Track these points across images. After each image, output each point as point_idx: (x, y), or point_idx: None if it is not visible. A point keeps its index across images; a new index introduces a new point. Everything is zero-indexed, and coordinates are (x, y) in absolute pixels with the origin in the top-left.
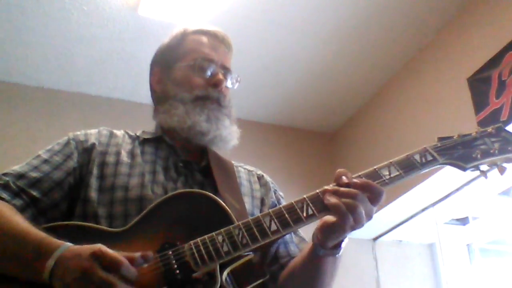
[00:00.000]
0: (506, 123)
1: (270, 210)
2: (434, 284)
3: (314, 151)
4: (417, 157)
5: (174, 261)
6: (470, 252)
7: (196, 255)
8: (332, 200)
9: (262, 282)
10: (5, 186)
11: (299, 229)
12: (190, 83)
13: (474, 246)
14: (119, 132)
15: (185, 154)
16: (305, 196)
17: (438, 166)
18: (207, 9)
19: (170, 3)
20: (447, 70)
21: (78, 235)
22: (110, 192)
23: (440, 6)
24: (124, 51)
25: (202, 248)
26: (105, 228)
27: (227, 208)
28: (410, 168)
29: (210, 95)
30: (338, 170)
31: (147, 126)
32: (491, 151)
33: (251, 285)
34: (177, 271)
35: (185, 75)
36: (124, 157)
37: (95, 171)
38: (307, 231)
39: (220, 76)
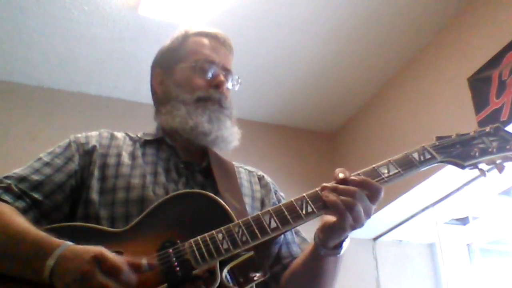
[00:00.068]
0: (506, 123)
1: (269, 208)
2: (434, 284)
3: (314, 151)
4: (415, 155)
5: (174, 259)
6: (470, 252)
7: (196, 252)
8: (331, 197)
9: (263, 281)
10: (7, 189)
11: (300, 230)
12: (192, 84)
13: (474, 246)
14: (120, 134)
15: (186, 155)
16: (304, 194)
17: (437, 164)
18: (207, 9)
19: (171, 3)
20: (447, 70)
21: (80, 236)
22: (111, 194)
23: (440, 6)
24: (124, 51)
25: (202, 246)
26: (107, 228)
27: (227, 207)
28: (409, 166)
29: (211, 96)
30: (337, 169)
31: (147, 125)
32: (489, 150)
33: (251, 283)
34: (178, 269)
35: (187, 76)
36: (125, 158)
37: (96, 173)
38: (309, 231)
39: (221, 77)
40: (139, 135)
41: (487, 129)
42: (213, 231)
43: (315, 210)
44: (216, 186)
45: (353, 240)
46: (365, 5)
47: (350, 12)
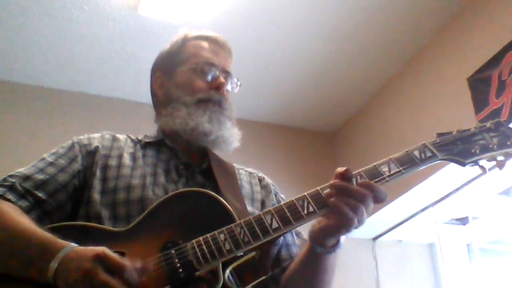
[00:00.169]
0: (506, 123)
1: (271, 208)
2: (434, 284)
3: (314, 150)
4: (416, 153)
5: (177, 260)
6: (470, 252)
7: (199, 254)
8: (335, 201)
9: (264, 280)
10: (11, 188)
11: (301, 232)
12: (192, 86)
13: (474, 246)
14: (121, 136)
15: (186, 156)
16: (305, 193)
17: (438, 162)
18: (207, 9)
19: (170, 3)
20: (447, 70)
21: (82, 235)
22: (112, 194)
23: (440, 6)
24: (124, 51)
25: (204, 246)
26: (108, 228)
27: (228, 206)
28: (410, 164)
29: (212, 97)
30: (338, 168)
31: (147, 125)
32: (490, 146)
33: (253, 283)
34: (180, 270)
35: (187, 78)
36: (126, 160)
37: (98, 173)
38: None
39: (222, 79)
40: (140, 137)
41: (488, 124)
42: (215, 232)
43: (316, 209)
44: (217, 186)
45: (353, 240)
46: (365, 5)
47: (350, 12)
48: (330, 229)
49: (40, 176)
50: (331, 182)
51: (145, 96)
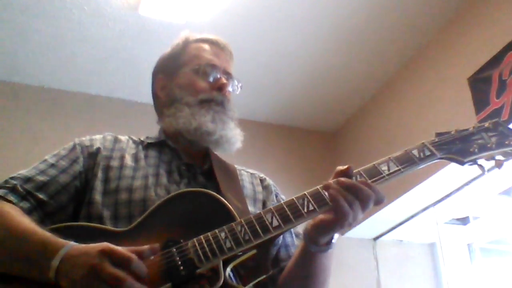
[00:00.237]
0: (507, 123)
1: (271, 206)
2: (434, 283)
3: (315, 150)
4: (415, 152)
5: (178, 258)
6: (470, 252)
7: (200, 251)
8: (334, 193)
9: (263, 281)
10: (13, 189)
11: (301, 233)
12: (195, 87)
13: (474, 246)
14: (123, 138)
15: (187, 158)
16: (305, 192)
17: (436, 160)
18: (207, 9)
19: (171, 3)
20: (447, 70)
21: (83, 235)
22: (114, 194)
23: (440, 6)
24: (124, 51)
25: (205, 245)
26: (110, 228)
27: (229, 205)
28: (409, 163)
29: (214, 98)
30: (339, 166)
31: (147, 125)
32: (488, 145)
33: (254, 281)
34: (181, 268)
35: (190, 79)
36: (128, 160)
37: (100, 174)
38: None
39: (224, 80)
40: (142, 138)
41: (486, 124)
42: (216, 230)
43: (316, 208)
44: (218, 187)
45: (353, 240)
46: (365, 5)
47: (350, 12)
48: (324, 223)
49: (41, 178)
50: (336, 179)
51: (145, 96)
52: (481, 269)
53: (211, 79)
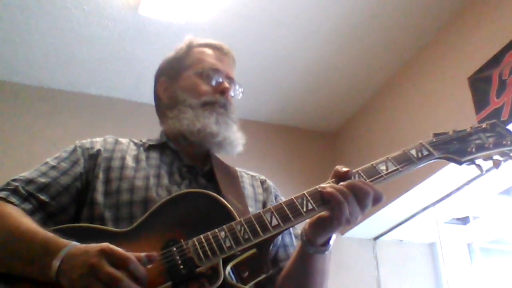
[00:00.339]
0: (507, 122)
1: (270, 206)
2: (434, 283)
3: (315, 150)
4: (413, 152)
5: (178, 257)
6: (470, 252)
7: (200, 251)
8: (328, 189)
9: (263, 281)
10: (15, 191)
11: (299, 232)
12: (198, 90)
13: (474, 246)
14: (124, 140)
15: (189, 159)
16: (304, 192)
17: (434, 160)
18: (207, 8)
19: (171, 3)
20: (447, 70)
21: (85, 236)
22: (115, 195)
23: (440, 5)
24: (124, 51)
25: (205, 244)
26: (110, 228)
27: (229, 206)
28: (407, 163)
29: (218, 100)
30: (338, 166)
31: (147, 125)
32: (486, 146)
33: (254, 281)
34: (181, 267)
35: (193, 82)
36: (129, 161)
37: (101, 175)
38: None
39: (226, 84)
40: (143, 141)
41: (484, 125)
42: (216, 230)
43: (315, 207)
44: (219, 188)
45: (353, 240)
46: (365, 5)
47: (350, 12)
48: (321, 220)
49: (43, 179)
50: (348, 183)
51: (145, 96)
52: (481, 269)
53: (213, 83)
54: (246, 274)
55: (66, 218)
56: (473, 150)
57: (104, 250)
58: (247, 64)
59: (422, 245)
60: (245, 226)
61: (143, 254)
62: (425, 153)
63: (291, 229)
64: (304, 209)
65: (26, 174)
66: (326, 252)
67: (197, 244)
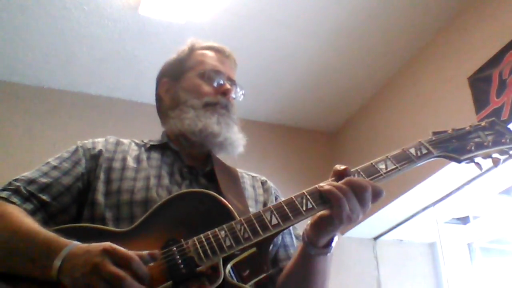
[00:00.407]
0: (507, 122)
1: (270, 205)
2: (435, 283)
3: (314, 150)
4: (412, 150)
5: (178, 257)
6: (471, 251)
7: (200, 250)
8: (326, 186)
9: (264, 278)
10: (16, 191)
11: (300, 233)
12: (200, 91)
13: (475, 245)
14: (125, 140)
15: (189, 160)
16: (304, 191)
17: (433, 158)
18: (207, 8)
19: (171, 3)
20: (447, 69)
21: (86, 236)
22: (116, 196)
23: (440, 5)
24: (124, 51)
25: (205, 243)
26: (111, 228)
27: (229, 205)
28: (406, 161)
29: (219, 101)
30: (337, 165)
31: (147, 125)
32: (485, 144)
33: (254, 280)
34: (182, 266)
35: (195, 83)
36: (130, 162)
37: (102, 176)
38: None
39: (228, 85)
40: (144, 141)
41: (483, 123)
42: (216, 229)
43: (314, 205)
44: (219, 188)
45: (353, 240)
46: (365, 5)
47: (350, 12)
48: (321, 219)
49: (44, 180)
50: (345, 179)
51: (145, 96)
52: (481, 269)
53: (215, 84)
54: (246, 273)
55: (67, 218)
56: (472, 148)
57: (106, 249)
58: (247, 64)
59: (422, 245)
60: (245, 225)
61: (145, 252)
62: (424, 151)
63: (291, 229)
64: (304, 208)
65: (27, 174)
66: (328, 254)
67: (197, 243)
